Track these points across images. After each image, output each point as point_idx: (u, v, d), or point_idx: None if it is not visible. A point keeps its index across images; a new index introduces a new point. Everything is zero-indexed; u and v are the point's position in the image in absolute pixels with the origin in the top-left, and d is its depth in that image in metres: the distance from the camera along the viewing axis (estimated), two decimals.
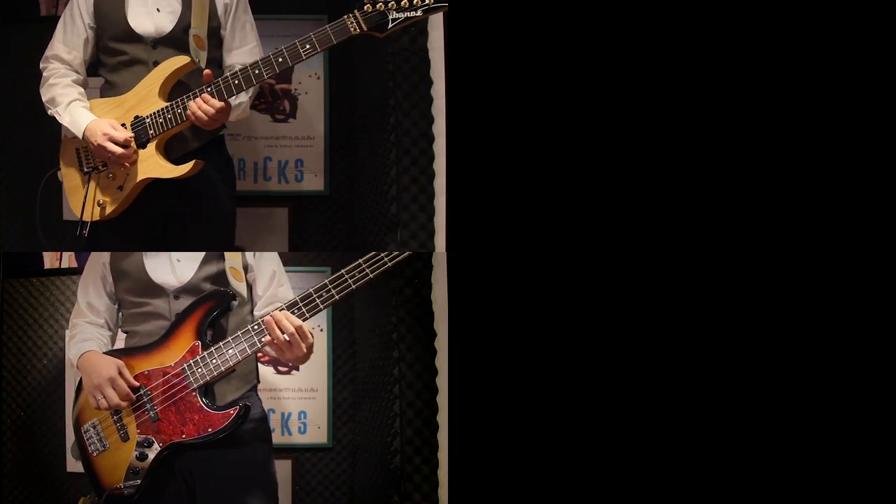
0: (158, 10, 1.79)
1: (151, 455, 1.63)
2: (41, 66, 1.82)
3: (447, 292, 1.75)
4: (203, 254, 1.73)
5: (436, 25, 1.86)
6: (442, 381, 1.84)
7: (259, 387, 1.79)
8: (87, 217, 1.75)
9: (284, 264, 1.87)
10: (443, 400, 1.83)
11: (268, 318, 1.58)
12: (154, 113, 1.74)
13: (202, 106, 1.70)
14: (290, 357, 1.61)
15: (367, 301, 2.04)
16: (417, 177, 1.91)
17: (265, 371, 2.08)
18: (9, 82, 2.06)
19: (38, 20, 2.08)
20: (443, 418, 1.83)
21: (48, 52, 1.82)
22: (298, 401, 2.11)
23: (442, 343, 1.83)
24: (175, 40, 1.78)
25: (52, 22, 1.84)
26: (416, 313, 1.87)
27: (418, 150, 1.92)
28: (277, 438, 2.07)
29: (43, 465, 2.08)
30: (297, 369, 2.11)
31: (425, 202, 1.90)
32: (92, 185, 1.77)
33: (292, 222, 2.15)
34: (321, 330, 2.11)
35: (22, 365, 2.10)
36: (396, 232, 1.91)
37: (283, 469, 2.08)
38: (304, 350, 1.59)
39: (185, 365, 1.64)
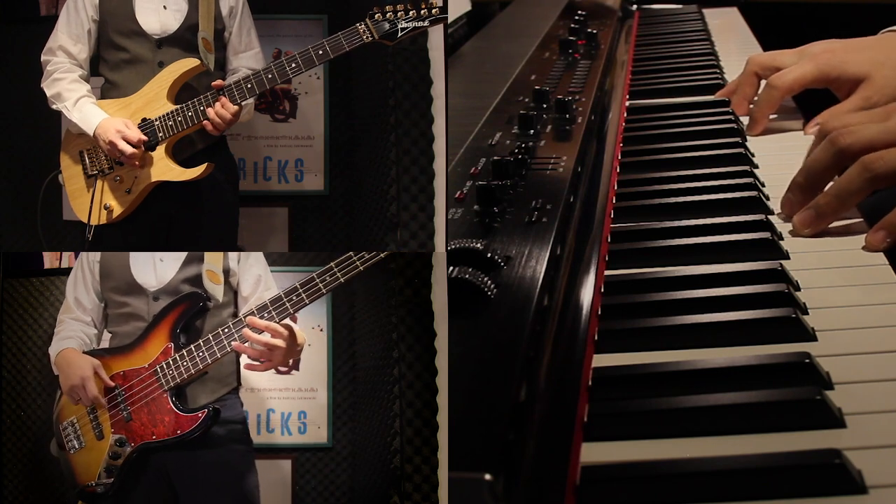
0: (165, 7, 1.78)
1: (124, 454, 1.65)
2: (43, 58, 1.78)
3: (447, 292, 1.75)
4: (185, 255, 1.72)
5: (436, 26, 1.87)
6: (442, 381, 1.84)
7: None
8: (93, 221, 1.74)
9: (284, 264, 1.87)
10: (443, 400, 1.83)
11: (245, 330, 1.59)
12: (164, 115, 1.73)
13: (219, 111, 1.69)
14: (271, 357, 1.61)
15: (367, 301, 2.05)
16: (417, 177, 1.91)
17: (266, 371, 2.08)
18: (9, 82, 2.05)
19: (38, 20, 2.06)
20: (443, 418, 1.83)
21: (51, 44, 1.78)
22: (298, 401, 2.11)
23: (442, 343, 1.83)
24: (180, 40, 1.76)
25: (51, 22, 1.82)
26: (416, 313, 1.87)
27: (418, 150, 1.92)
28: (277, 438, 2.08)
29: (43, 465, 2.08)
30: (298, 369, 2.11)
31: (425, 202, 1.91)
32: (98, 188, 1.76)
33: (292, 222, 2.14)
34: (321, 330, 2.11)
35: (22, 365, 2.10)
36: (396, 232, 1.91)
37: (283, 469, 2.08)
38: (283, 344, 1.58)
39: (157, 367, 1.66)
